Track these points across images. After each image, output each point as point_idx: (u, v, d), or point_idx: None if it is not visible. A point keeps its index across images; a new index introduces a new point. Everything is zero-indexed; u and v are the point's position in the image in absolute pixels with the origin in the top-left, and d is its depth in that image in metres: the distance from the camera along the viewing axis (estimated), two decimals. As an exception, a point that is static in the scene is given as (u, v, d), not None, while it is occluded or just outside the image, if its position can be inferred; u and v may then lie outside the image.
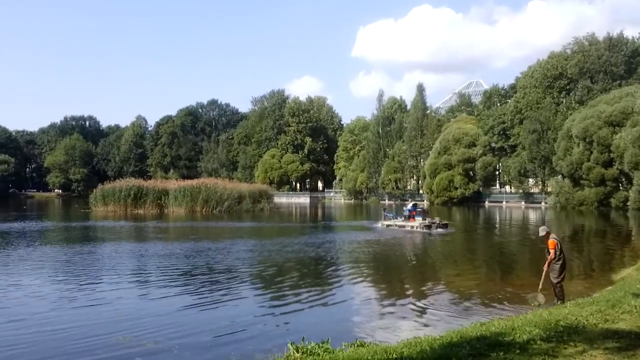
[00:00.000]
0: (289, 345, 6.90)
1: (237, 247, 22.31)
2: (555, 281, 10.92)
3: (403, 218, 33.17)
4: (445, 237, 27.89)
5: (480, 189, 75.50)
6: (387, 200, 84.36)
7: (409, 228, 31.02)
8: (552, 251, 10.80)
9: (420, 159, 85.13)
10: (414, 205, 35.25)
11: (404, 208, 35.57)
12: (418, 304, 11.79)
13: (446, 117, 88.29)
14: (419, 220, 31.60)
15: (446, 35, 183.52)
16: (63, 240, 27.08)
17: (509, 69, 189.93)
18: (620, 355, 5.63)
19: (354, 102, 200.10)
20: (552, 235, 11.09)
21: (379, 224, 33.73)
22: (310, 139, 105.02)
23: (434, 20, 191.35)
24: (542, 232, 11.22)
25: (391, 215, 36.01)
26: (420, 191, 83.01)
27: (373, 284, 15.04)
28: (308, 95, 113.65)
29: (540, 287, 11.09)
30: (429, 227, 30.40)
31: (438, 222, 31.65)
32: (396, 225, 32.24)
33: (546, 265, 10.95)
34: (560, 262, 10.91)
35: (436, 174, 74.19)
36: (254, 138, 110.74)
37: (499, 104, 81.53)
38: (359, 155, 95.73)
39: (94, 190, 54.54)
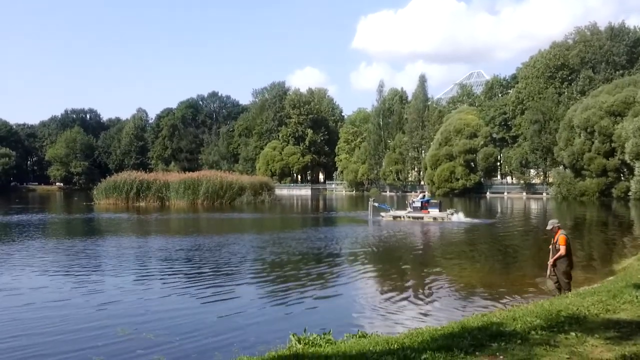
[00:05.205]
0: (291, 336, 6.92)
1: (238, 239, 22.34)
2: (566, 280, 10.69)
3: (412, 209, 32.64)
4: (479, 226, 28.13)
5: (482, 179, 75.43)
6: (387, 192, 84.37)
7: (429, 219, 30.54)
8: (562, 248, 10.54)
9: (422, 150, 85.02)
10: (424, 196, 34.78)
11: (413, 199, 34.79)
12: (420, 295, 11.81)
13: (447, 108, 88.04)
14: (435, 211, 31.36)
15: (448, 25, 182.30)
16: (69, 233, 27.15)
17: (513, 60, 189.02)
18: (622, 345, 5.63)
19: (356, 94, 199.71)
20: (562, 231, 10.86)
21: (381, 217, 32.41)
22: (311, 130, 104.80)
23: (435, 10, 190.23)
24: (549, 225, 11.06)
25: (387, 207, 35.34)
26: (422, 182, 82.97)
27: (376, 275, 15.06)
28: (309, 87, 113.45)
29: (548, 274, 10.99)
30: (451, 216, 30.63)
31: (455, 212, 31.83)
32: (409, 217, 31.52)
33: (552, 260, 10.74)
34: (568, 260, 10.68)
35: (437, 165, 74.12)
36: (254, 130, 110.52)
37: (500, 95, 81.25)
38: (360, 147, 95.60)
39: (98, 184, 54.57)
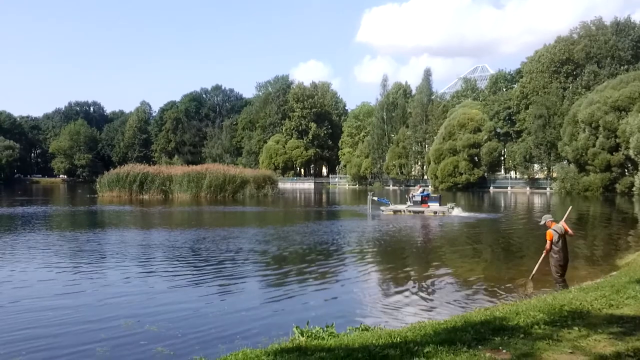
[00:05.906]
0: (294, 329, 6.93)
1: (241, 233, 22.38)
2: (558, 273, 10.76)
3: (412, 204, 32.59)
4: (481, 221, 28.16)
5: (485, 174, 75.32)
6: (391, 186, 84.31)
7: (429, 214, 30.57)
8: (547, 243, 10.73)
9: (425, 145, 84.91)
10: (424, 190, 34.85)
11: (413, 194, 34.86)
12: (423, 289, 11.81)
13: (451, 102, 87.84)
14: (435, 205, 31.42)
15: (453, 19, 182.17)
16: (72, 225, 27.23)
17: (517, 54, 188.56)
18: (624, 340, 5.63)
19: (360, 88, 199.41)
20: (554, 226, 10.88)
21: (381, 211, 32.19)
22: (314, 124, 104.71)
23: (440, 4, 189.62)
24: (542, 220, 11.17)
25: (387, 201, 35.27)
26: (425, 177, 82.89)
27: (379, 269, 15.07)
28: (312, 81, 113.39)
29: (532, 274, 11.07)
30: (451, 210, 30.79)
31: (454, 206, 31.90)
32: (409, 211, 31.53)
33: (544, 253, 10.92)
34: (557, 255, 10.70)
35: (441, 160, 74.01)
36: (258, 123, 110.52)
37: (504, 89, 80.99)
38: (363, 141, 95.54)
39: (102, 177, 54.71)
